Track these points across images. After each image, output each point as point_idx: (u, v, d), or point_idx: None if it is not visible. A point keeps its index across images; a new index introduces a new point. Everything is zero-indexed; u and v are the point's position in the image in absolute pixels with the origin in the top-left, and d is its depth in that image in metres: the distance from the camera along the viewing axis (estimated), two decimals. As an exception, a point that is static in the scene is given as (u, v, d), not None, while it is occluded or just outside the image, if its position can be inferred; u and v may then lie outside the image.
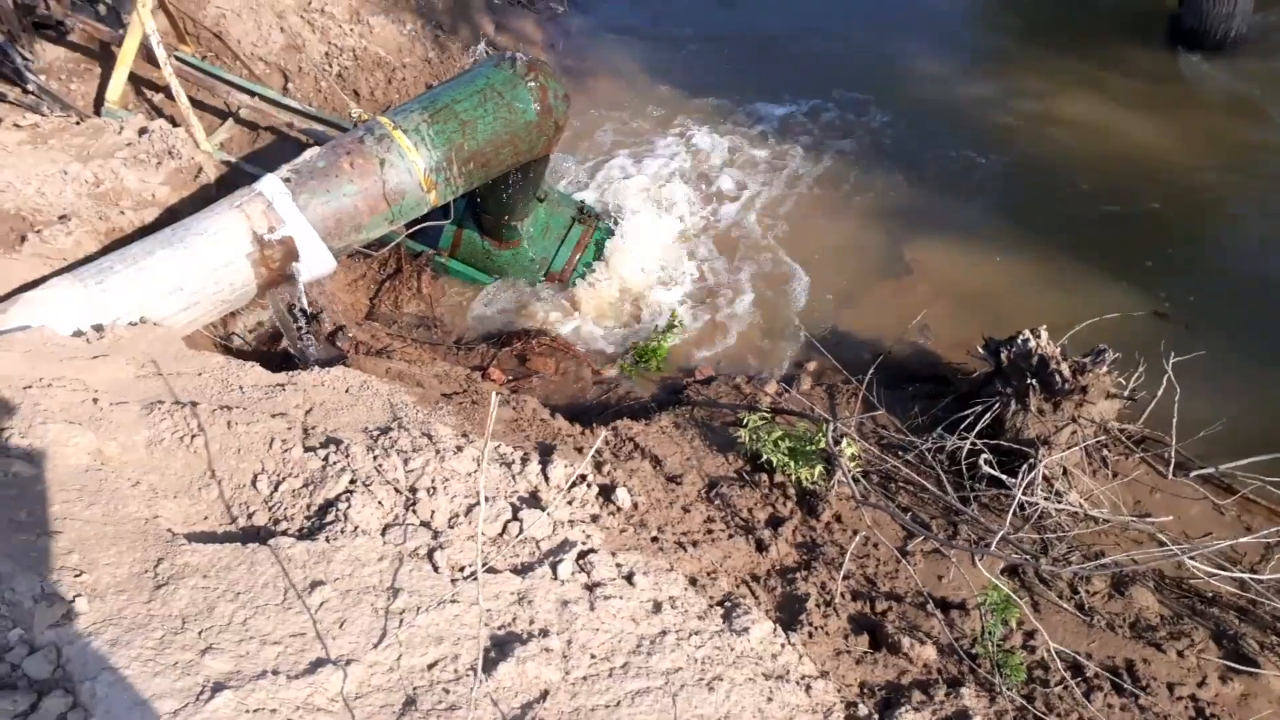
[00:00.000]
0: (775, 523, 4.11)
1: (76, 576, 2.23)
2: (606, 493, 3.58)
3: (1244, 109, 7.24)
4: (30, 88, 6.13)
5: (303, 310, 4.29)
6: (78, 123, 5.66)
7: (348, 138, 4.18)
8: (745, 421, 4.42)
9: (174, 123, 6.43)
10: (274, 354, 5.08)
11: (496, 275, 6.22)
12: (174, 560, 2.41)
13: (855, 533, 4.18)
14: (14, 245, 4.13)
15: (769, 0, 8.66)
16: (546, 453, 3.74)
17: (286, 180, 3.96)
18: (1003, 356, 4.76)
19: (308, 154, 4.09)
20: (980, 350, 4.92)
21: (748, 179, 6.78)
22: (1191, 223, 6.34)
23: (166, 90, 6.58)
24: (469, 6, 8.10)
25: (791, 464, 4.28)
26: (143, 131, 5.43)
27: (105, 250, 4.41)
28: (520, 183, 5.08)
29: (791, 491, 4.30)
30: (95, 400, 2.87)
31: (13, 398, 2.71)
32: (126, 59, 6.11)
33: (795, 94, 7.50)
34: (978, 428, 4.60)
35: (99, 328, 3.37)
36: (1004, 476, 4.38)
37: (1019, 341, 4.71)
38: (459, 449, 3.37)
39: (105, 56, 6.61)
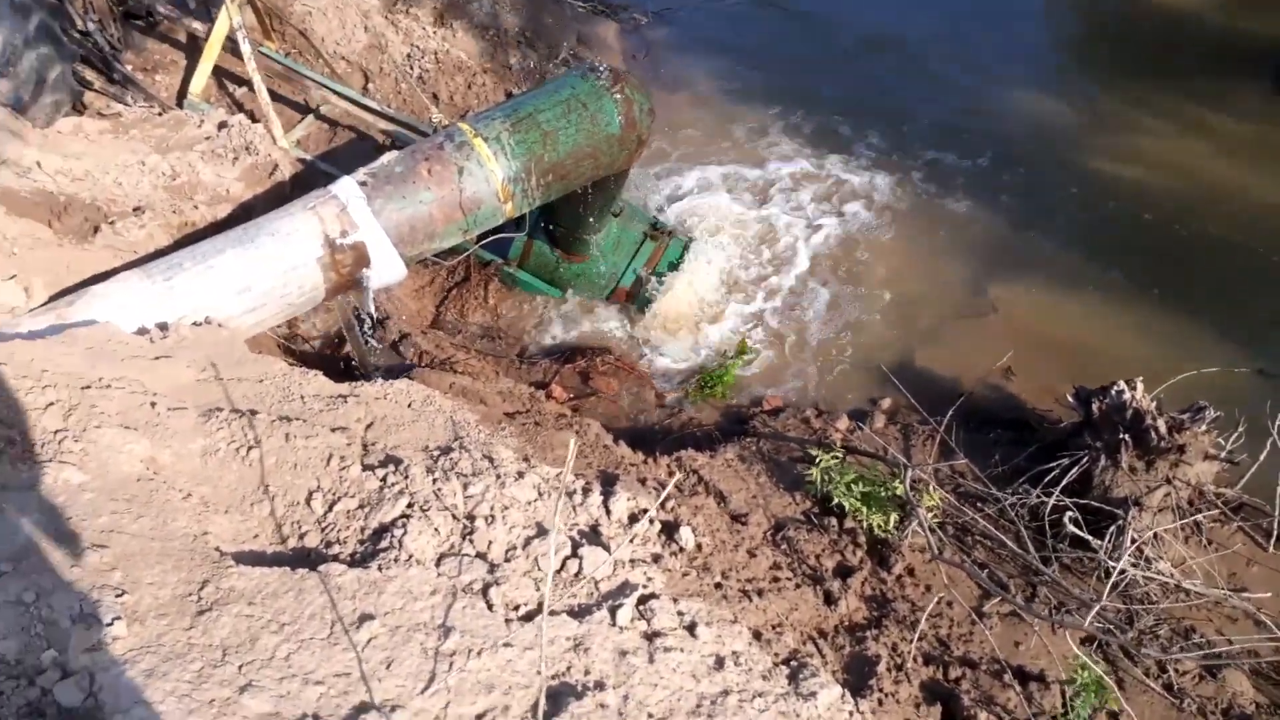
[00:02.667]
0: (844, 572, 3.89)
1: (118, 596, 2.12)
2: (669, 530, 3.40)
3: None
4: (116, 77, 6.17)
5: (369, 316, 4.19)
6: (160, 114, 5.67)
7: (427, 143, 4.08)
8: (817, 460, 4.20)
9: (254, 118, 6.43)
10: (337, 359, 5.01)
11: (565, 288, 6.09)
12: (219, 583, 2.29)
13: (928, 588, 3.94)
14: (87, 235, 4.09)
15: (853, 21, 8.40)
16: (609, 483, 3.57)
17: (363, 184, 3.87)
18: (1094, 407, 4.48)
19: (385, 158, 3.99)
20: (1070, 399, 4.65)
21: (827, 206, 6.56)
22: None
23: (249, 84, 6.59)
24: (552, 14, 8.02)
25: (864, 510, 4.06)
26: (222, 126, 5.41)
27: (177, 245, 4.37)
28: (597, 196, 4.94)
29: (862, 539, 4.08)
30: (153, 404, 2.78)
31: (70, 398, 2.62)
32: (212, 52, 6.11)
33: (877, 120, 7.25)
34: (1064, 482, 4.33)
35: (163, 326, 3.29)
36: (1090, 538, 4.11)
37: (1113, 393, 4.43)
38: (520, 475, 3.22)
39: (191, 49, 6.64)
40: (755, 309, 5.96)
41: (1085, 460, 4.38)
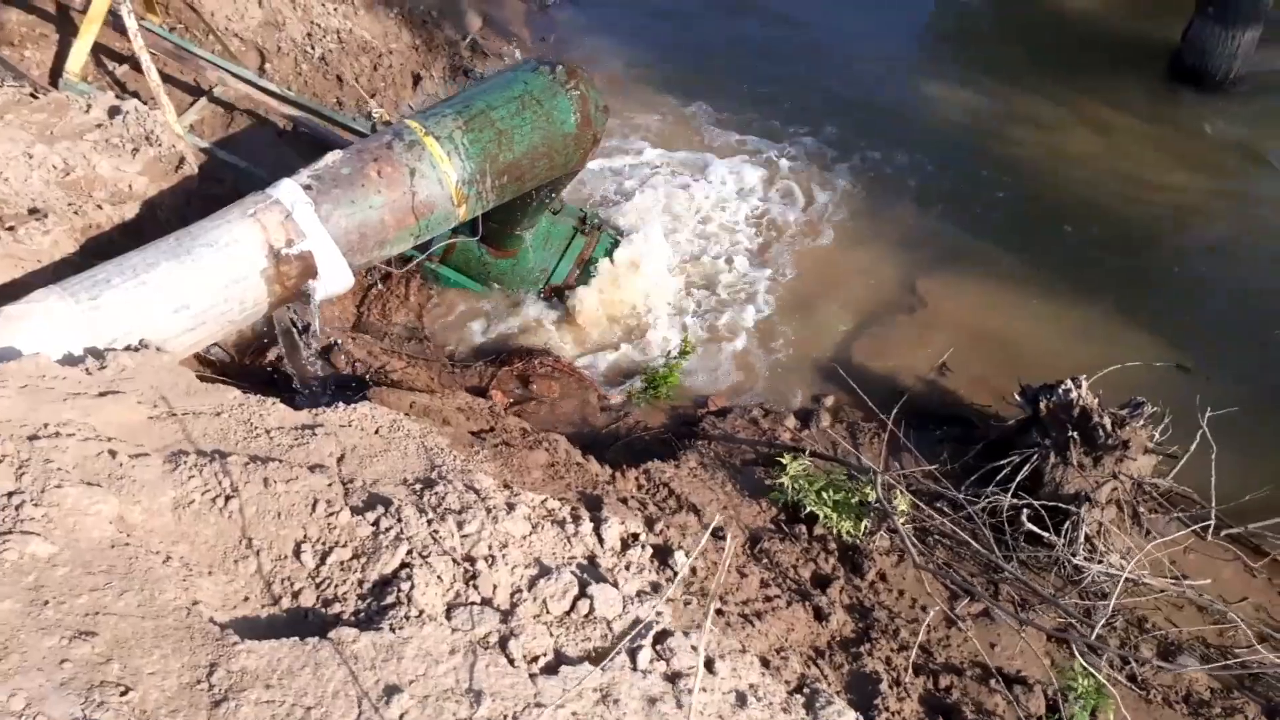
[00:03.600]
0: (821, 582, 3.86)
1: (121, 695, 1.83)
2: (662, 555, 3.26)
3: (1244, 151, 7.25)
4: (-23, 53, 5.52)
5: (306, 328, 3.87)
6: (34, 96, 5.07)
7: (374, 142, 3.77)
8: (786, 468, 4.15)
9: (140, 100, 5.87)
10: (259, 370, 4.64)
11: (491, 285, 5.84)
12: (229, 665, 2.02)
13: (901, 593, 3.96)
14: None
15: (769, 12, 8.36)
16: (594, 506, 3.41)
17: (307, 187, 3.54)
18: (1041, 406, 4.59)
19: (329, 158, 3.66)
20: (1016, 397, 4.75)
21: (753, 201, 6.51)
22: (1205, 271, 6.30)
23: (132, 62, 6.03)
24: (453, -6, 7.64)
25: (835, 517, 4.03)
26: (114, 112, 4.87)
27: (85, 251, 3.91)
28: (539, 195, 4.71)
29: (833, 545, 4.06)
30: (113, 453, 2.44)
31: (19, 452, 2.26)
32: (91, 26, 5.54)
33: (796, 112, 7.24)
34: (1017, 480, 4.42)
35: (99, 355, 2.91)
36: (1046, 534, 4.21)
37: (1060, 391, 4.54)
38: (510, 506, 3.02)
39: (63, 21, 6.01)
40: (690, 304, 5.85)
41: (1035, 457, 4.47)
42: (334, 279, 3.63)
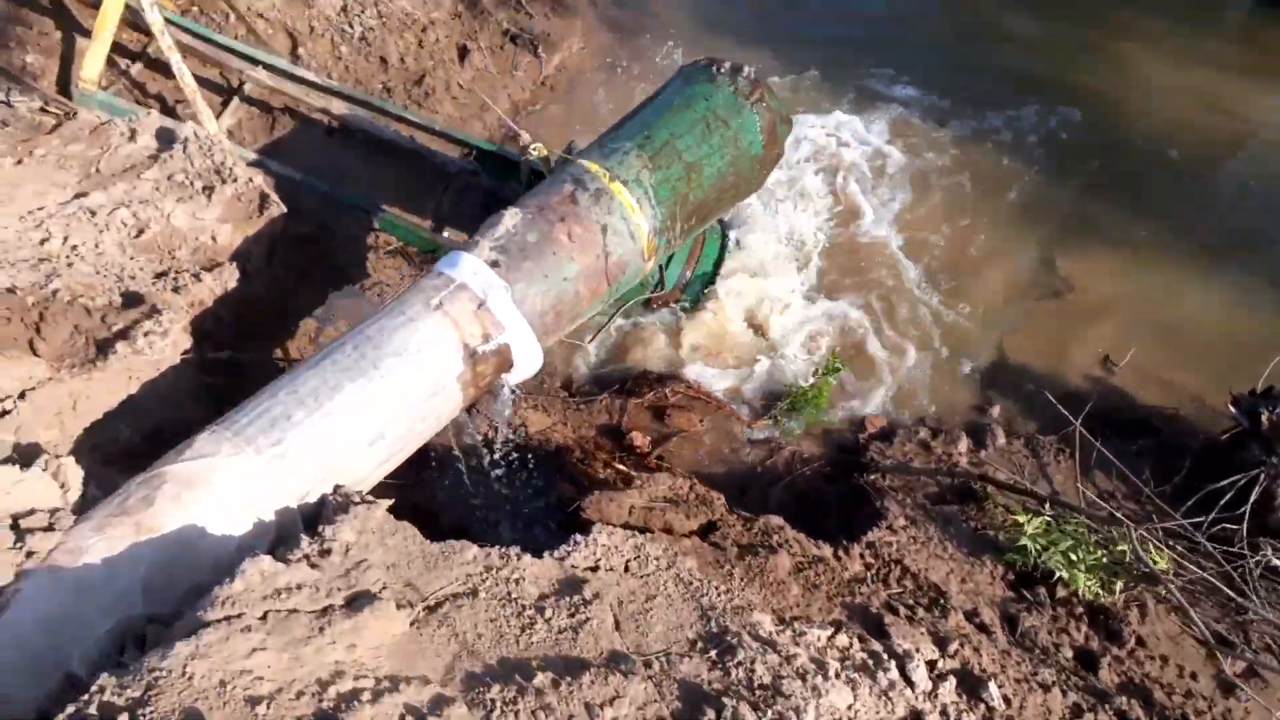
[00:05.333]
0: (1086, 660, 3.42)
1: None
2: (972, 688, 2.78)
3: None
4: (-26, 63, 4.64)
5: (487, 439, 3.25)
6: (55, 115, 4.25)
7: (554, 194, 3.08)
8: (1024, 527, 3.67)
9: (167, 108, 5.04)
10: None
11: (590, 295, 5.18)
12: None
13: (1164, 660, 3.54)
14: (90, 358, 2.87)
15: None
16: (874, 627, 2.91)
17: (495, 264, 2.86)
18: (1263, 418, 4.14)
19: (509, 220, 2.97)
20: (1230, 409, 4.29)
21: (871, 178, 5.87)
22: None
23: (148, 60, 5.15)
24: (483, -57, 6.72)
25: (1082, 579, 3.57)
26: (167, 139, 4.07)
27: (201, 343, 3.20)
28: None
29: (1080, 610, 3.61)
30: (416, 714, 1.85)
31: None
32: (108, 24, 4.67)
33: (899, 71, 6.56)
34: (1249, 506, 4.00)
35: (318, 536, 2.26)
36: (1299, 572, 3.81)
37: (1285, 403, 4.10)
38: (819, 665, 2.49)
39: (66, 19, 5.09)
40: (817, 309, 5.26)
41: (1263, 478, 4.05)
42: (526, 368, 3.00)
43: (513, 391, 3.03)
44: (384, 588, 2.20)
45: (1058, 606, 3.61)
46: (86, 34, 5.06)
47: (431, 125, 5.37)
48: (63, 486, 2.39)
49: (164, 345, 2.91)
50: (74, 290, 3.06)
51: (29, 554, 2.20)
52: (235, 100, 5.29)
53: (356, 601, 2.10)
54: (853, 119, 6.18)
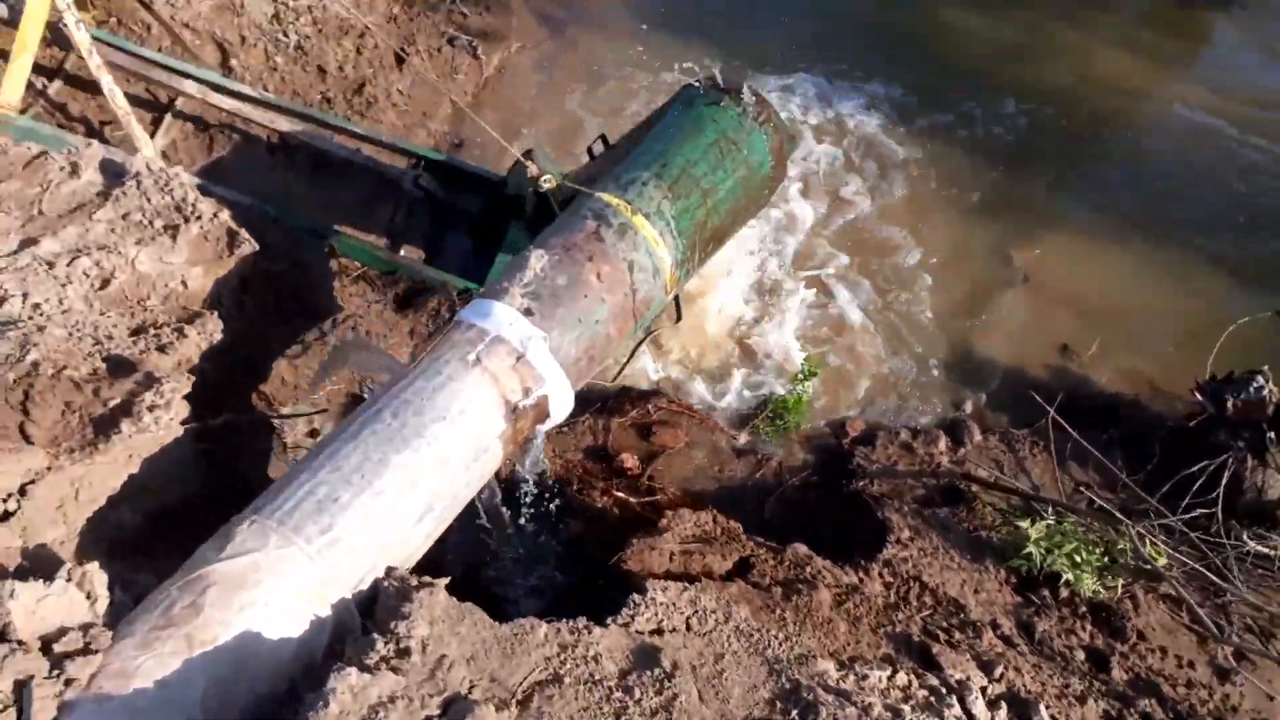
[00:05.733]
0: (1097, 660, 3.54)
1: None
2: (1024, 712, 2.83)
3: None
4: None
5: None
6: None
7: (577, 231, 2.96)
8: (1027, 532, 3.75)
9: (92, 129, 4.68)
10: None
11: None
12: None
13: (1164, 651, 3.69)
14: (89, 440, 2.60)
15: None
16: (922, 656, 2.93)
17: (528, 311, 2.74)
18: (1228, 404, 4.34)
19: (536, 262, 2.84)
20: (1196, 396, 4.48)
21: (823, 176, 5.88)
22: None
23: (66, 77, 4.76)
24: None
25: (1087, 580, 3.69)
26: (115, 173, 3.76)
27: (199, 409, 2.96)
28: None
29: (1083, 609, 3.73)
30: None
31: None
32: (28, 43, 4.28)
33: (850, 68, 6.54)
34: (1220, 491, 4.20)
35: (391, 633, 2.11)
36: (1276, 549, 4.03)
37: (1250, 389, 4.30)
38: (894, 713, 2.49)
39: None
40: (788, 310, 5.26)
41: (1232, 462, 4.25)
42: (560, 416, 2.89)
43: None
44: (472, 687, 2.09)
45: (1062, 607, 3.72)
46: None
47: (378, 137, 5.15)
48: (89, 597, 2.18)
49: (168, 419, 2.67)
50: (54, 360, 2.79)
51: (68, 682, 2.00)
52: (168, 118, 4.93)
53: (453, 709, 1.98)
54: (816, 108, 6.19)
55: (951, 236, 5.66)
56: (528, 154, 4.92)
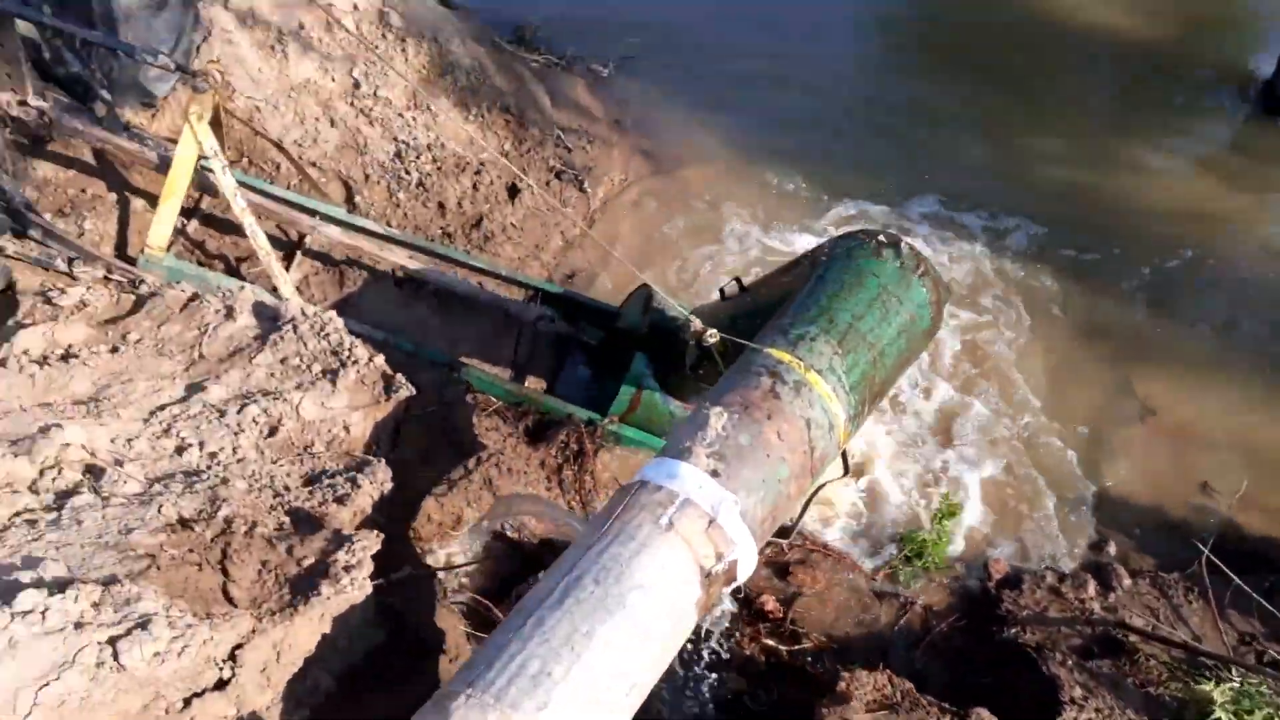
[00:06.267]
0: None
1: None
2: None
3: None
4: (34, 233, 4.38)
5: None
6: (136, 291, 3.99)
7: (752, 388, 2.93)
8: (1211, 694, 3.55)
9: (230, 266, 4.81)
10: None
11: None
12: None
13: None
14: (282, 597, 2.56)
15: (833, 61, 7.66)
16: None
17: (714, 473, 2.69)
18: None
19: (716, 421, 2.80)
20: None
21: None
22: None
23: (202, 216, 4.93)
24: (513, 74, 6.65)
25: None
26: (269, 317, 3.84)
27: (384, 564, 2.92)
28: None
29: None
30: None
31: None
32: (176, 188, 4.45)
33: (930, 191, 6.61)
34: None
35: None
36: None
37: None
38: None
39: (105, 173, 4.83)
40: (905, 440, 5.17)
41: None
42: (744, 578, 2.80)
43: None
44: None
45: (1251, 777, 3.49)
46: (142, 194, 4.82)
47: (497, 270, 5.25)
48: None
49: (362, 578, 2.64)
50: (244, 515, 2.78)
51: None
52: (298, 255, 5.07)
53: None
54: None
55: (1065, 366, 5.56)
56: (645, 290, 4.99)
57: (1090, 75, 7.85)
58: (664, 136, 6.88)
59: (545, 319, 5.03)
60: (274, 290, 4.60)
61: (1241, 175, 7.02)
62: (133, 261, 4.50)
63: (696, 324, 3.23)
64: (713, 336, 3.22)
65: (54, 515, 2.55)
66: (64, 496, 2.67)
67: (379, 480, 3.21)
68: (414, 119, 5.68)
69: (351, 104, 5.50)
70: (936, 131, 7.03)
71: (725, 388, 2.97)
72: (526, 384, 5.05)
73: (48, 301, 3.90)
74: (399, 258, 5.01)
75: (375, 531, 2.78)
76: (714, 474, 2.68)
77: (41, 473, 2.77)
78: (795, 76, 7.28)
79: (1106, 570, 4.54)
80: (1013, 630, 4.16)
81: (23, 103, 4.26)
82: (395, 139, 5.53)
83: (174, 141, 4.95)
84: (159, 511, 2.66)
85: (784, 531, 4.30)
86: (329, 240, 4.95)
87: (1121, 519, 4.90)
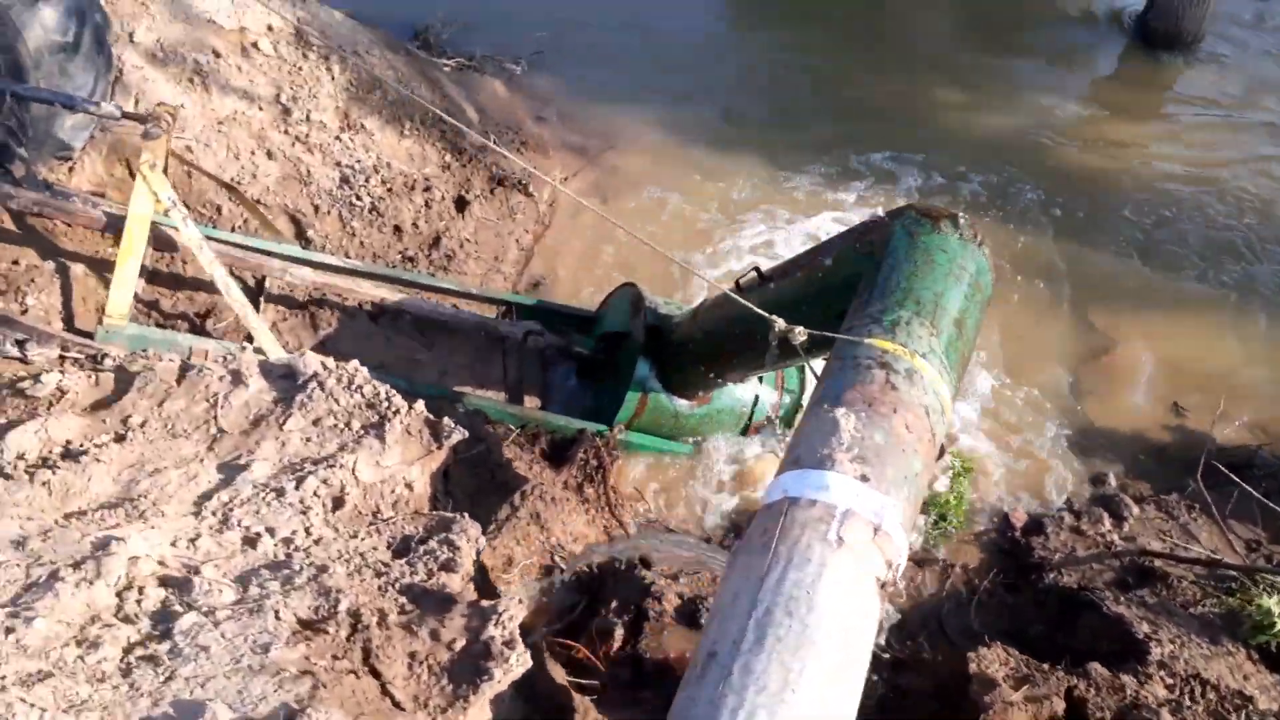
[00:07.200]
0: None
1: None
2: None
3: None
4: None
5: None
6: (120, 374, 3.61)
7: (867, 381, 2.86)
8: (1269, 606, 3.76)
9: (194, 326, 4.41)
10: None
11: (683, 440, 4.97)
12: None
13: None
14: (444, 688, 2.33)
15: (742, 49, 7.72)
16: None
17: (863, 478, 2.61)
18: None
19: (846, 422, 2.72)
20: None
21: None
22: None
23: (147, 275, 4.49)
24: (432, 83, 6.35)
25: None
26: (281, 374, 3.51)
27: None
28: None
29: (1332, 679, 3.73)
30: None
31: None
32: (134, 248, 4.04)
33: (888, 148, 6.71)
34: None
35: None
36: None
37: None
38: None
39: (40, 244, 4.33)
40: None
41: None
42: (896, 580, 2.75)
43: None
44: None
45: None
46: (81, 259, 4.33)
47: (467, 290, 5.04)
48: None
49: (523, 652, 2.44)
50: (367, 605, 2.52)
51: None
52: (261, 302, 4.67)
53: None
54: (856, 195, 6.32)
55: (1032, 312, 5.77)
56: (631, 290, 4.86)
57: (962, 25, 8.18)
58: (589, 127, 6.72)
59: (535, 334, 4.83)
60: (247, 345, 4.24)
61: (1134, 105, 7.44)
62: (88, 334, 4.03)
63: (780, 323, 3.13)
64: (801, 334, 3.12)
65: (168, 645, 2.23)
66: (162, 621, 2.35)
67: (473, 537, 2.98)
68: (351, 140, 5.32)
69: (285, 132, 5.10)
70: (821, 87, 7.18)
71: (837, 387, 2.89)
72: (525, 403, 4.85)
73: (19, 394, 3.45)
74: (373, 291, 4.69)
75: (515, 598, 2.58)
76: (863, 479, 2.60)
77: (121, 596, 2.42)
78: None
79: (1115, 502, 4.74)
80: (1051, 576, 4.28)
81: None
82: (338, 164, 5.16)
83: (100, 195, 4.50)
84: (276, 618, 2.38)
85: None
86: (295, 282, 4.57)
87: (1111, 451, 5.11)
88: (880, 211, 5.41)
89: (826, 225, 5.95)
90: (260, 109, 5.02)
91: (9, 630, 2.08)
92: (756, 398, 4.91)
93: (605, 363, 4.97)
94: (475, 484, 3.71)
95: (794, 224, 6.05)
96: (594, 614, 3.69)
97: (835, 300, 3.56)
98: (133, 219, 3.91)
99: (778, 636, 2.29)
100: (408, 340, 4.74)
